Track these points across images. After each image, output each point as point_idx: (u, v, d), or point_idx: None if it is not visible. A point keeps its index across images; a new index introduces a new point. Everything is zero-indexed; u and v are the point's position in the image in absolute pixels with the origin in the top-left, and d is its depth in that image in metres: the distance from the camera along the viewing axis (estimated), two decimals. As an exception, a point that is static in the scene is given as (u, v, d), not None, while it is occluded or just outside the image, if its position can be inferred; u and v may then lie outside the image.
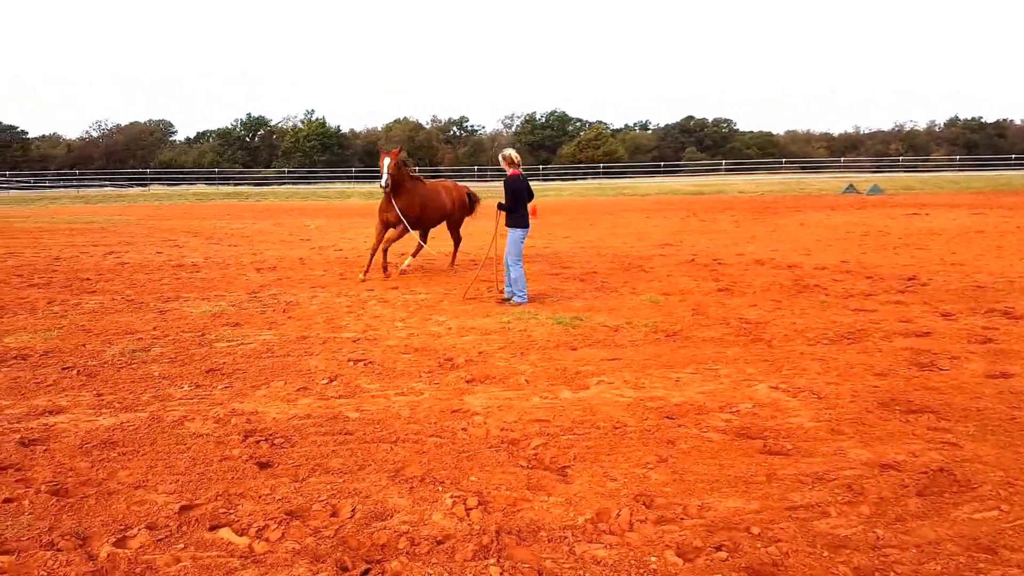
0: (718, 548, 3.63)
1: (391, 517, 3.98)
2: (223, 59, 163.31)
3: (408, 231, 12.67)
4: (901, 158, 72.29)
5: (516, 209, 10.14)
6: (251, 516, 3.98)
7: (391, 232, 12.60)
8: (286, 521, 3.90)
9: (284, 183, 63.50)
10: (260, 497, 4.23)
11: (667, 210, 29.41)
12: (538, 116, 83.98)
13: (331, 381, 6.55)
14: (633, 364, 7.04)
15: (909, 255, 14.46)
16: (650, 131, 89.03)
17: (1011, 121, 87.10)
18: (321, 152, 74.68)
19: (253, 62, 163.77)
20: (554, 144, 79.40)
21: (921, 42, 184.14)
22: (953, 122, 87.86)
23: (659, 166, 70.05)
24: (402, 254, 14.66)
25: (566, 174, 67.55)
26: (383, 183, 11.92)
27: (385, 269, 12.53)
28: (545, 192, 45.45)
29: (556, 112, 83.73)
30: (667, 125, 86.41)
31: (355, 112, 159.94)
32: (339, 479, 4.47)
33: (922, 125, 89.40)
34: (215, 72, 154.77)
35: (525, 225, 10.25)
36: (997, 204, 28.27)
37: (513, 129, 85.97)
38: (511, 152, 10.36)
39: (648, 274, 12.65)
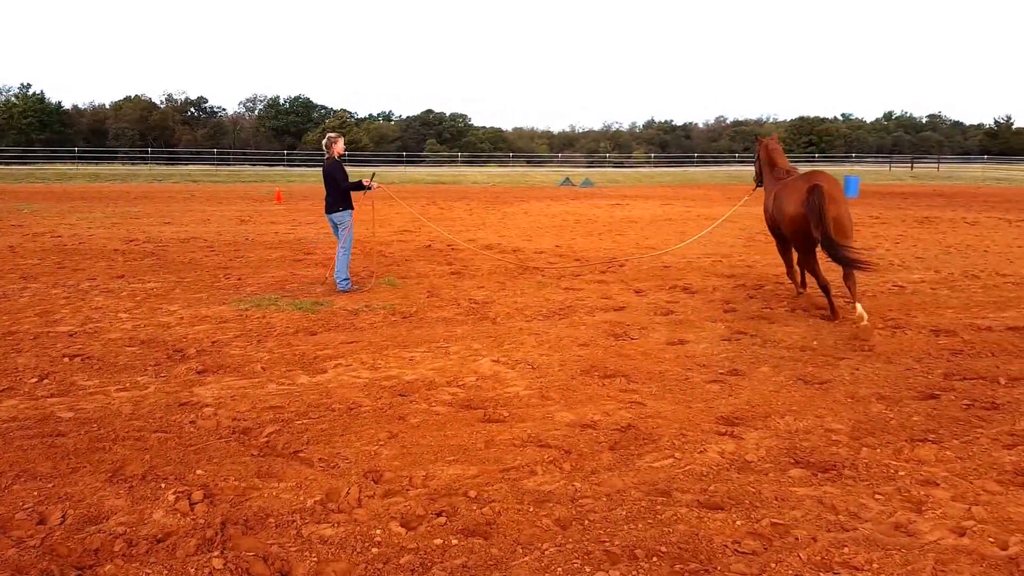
0: (439, 514, 3.73)
1: (107, 520, 3.61)
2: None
3: None
4: (608, 155, 78.71)
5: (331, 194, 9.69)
6: (-63, 534, 3.40)
7: None
8: (-19, 535, 3.38)
9: (-7, 163, 54.53)
10: (-51, 512, 3.63)
11: (408, 198, 29.53)
12: (282, 100, 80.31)
13: (42, 379, 5.79)
14: (371, 346, 7.00)
15: (611, 240, 15.80)
16: (393, 122, 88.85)
17: (696, 124, 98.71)
18: (40, 130, 65.31)
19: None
20: (299, 130, 76.42)
21: (620, 49, 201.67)
22: (650, 124, 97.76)
23: (402, 156, 70.11)
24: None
25: (311, 160, 65.33)
26: None
27: None
28: (290, 178, 43.64)
29: (300, 98, 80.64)
30: (409, 117, 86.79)
31: (79, 87, 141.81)
32: (48, 484, 3.98)
33: (625, 126, 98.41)
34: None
35: (326, 210, 9.82)
36: (683, 196, 31.83)
37: (256, 112, 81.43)
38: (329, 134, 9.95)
39: (387, 258, 12.63)
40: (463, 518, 3.69)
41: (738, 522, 3.69)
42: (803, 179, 8.32)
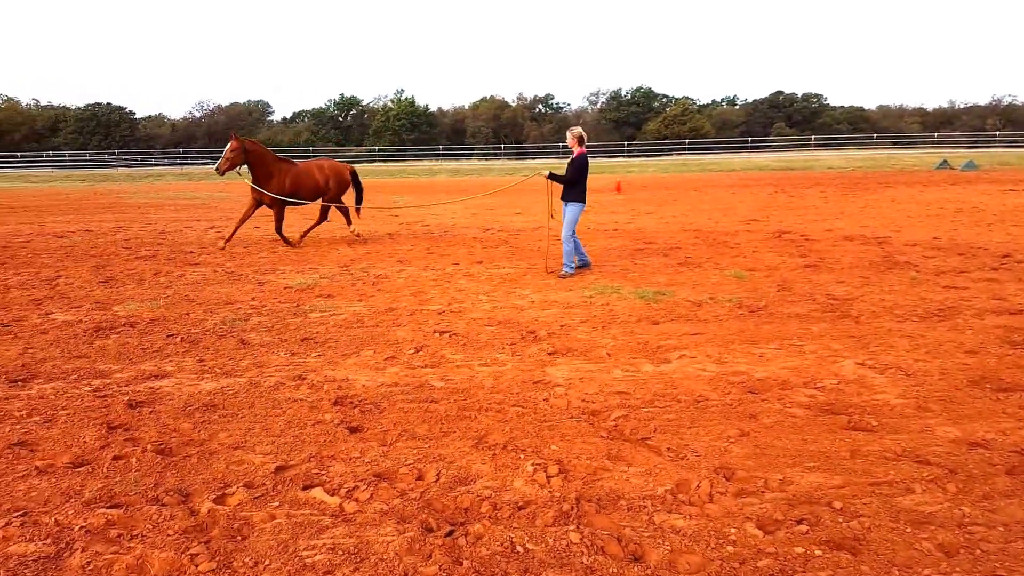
0: (799, 521, 3.56)
1: (474, 482, 4.05)
2: (317, 40, 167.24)
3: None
4: (998, 133, 67.82)
5: (578, 184, 10.37)
6: (342, 477, 4.12)
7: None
8: (374, 483, 4.02)
9: (375, 161, 64.80)
10: (350, 460, 4.37)
11: (754, 186, 28.61)
12: (623, 92, 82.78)
13: (417, 351, 6.68)
14: (716, 339, 6.92)
15: (1004, 232, 13.67)
16: (737, 106, 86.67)
17: None
18: (410, 131, 75.76)
19: (345, 42, 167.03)
20: (639, 120, 78.19)
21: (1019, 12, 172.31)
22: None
23: (746, 142, 68.05)
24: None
25: (651, 150, 66.42)
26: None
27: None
28: (629, 168, 44.85)
29: (642, 88, 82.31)
30: (755, 100, 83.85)
31: (443, 91, 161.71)
32: (425, 445, 4.58)
33: (1021, 99, 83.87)
34: (309, 53, 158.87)
35: (584, 200, 10.52)
36: (1109, 177, 26.36)
37: (598, 106, 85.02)
38: (580, 130, 10.59)
39: (733, 249, 12.37)
40: (827, 529, 3.47)
41: None
42: (329, 162, 14.33)
